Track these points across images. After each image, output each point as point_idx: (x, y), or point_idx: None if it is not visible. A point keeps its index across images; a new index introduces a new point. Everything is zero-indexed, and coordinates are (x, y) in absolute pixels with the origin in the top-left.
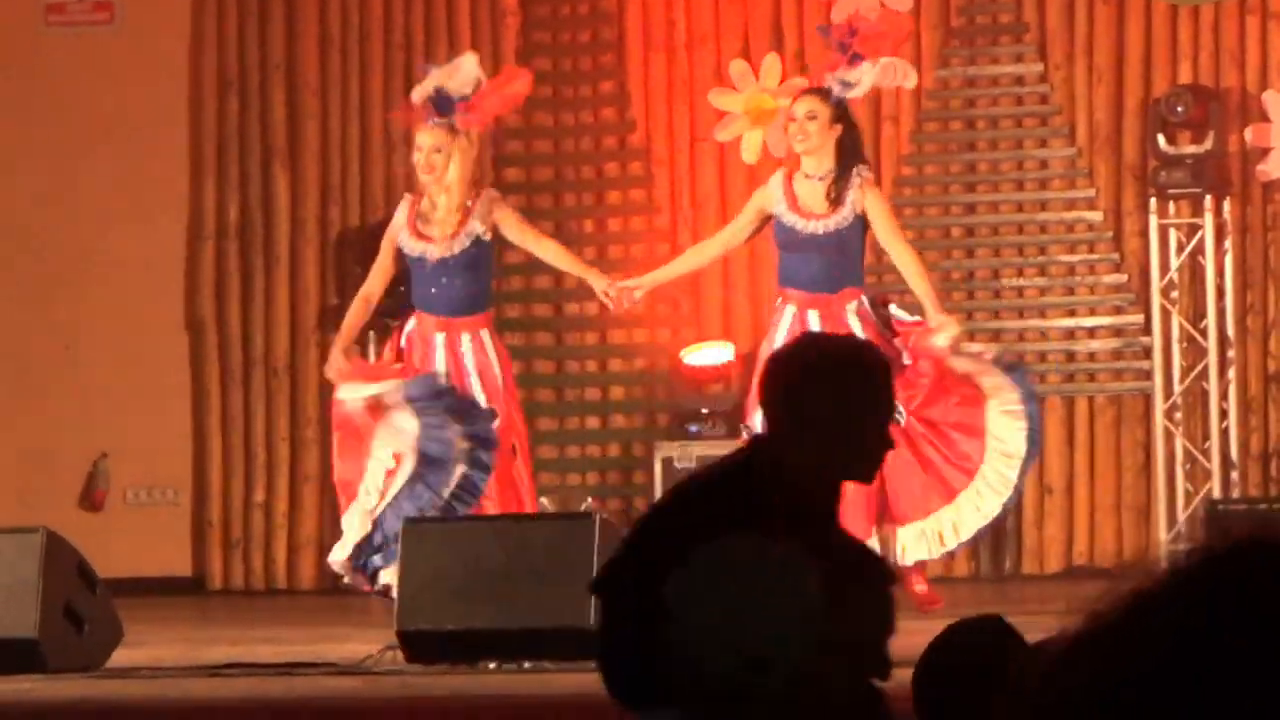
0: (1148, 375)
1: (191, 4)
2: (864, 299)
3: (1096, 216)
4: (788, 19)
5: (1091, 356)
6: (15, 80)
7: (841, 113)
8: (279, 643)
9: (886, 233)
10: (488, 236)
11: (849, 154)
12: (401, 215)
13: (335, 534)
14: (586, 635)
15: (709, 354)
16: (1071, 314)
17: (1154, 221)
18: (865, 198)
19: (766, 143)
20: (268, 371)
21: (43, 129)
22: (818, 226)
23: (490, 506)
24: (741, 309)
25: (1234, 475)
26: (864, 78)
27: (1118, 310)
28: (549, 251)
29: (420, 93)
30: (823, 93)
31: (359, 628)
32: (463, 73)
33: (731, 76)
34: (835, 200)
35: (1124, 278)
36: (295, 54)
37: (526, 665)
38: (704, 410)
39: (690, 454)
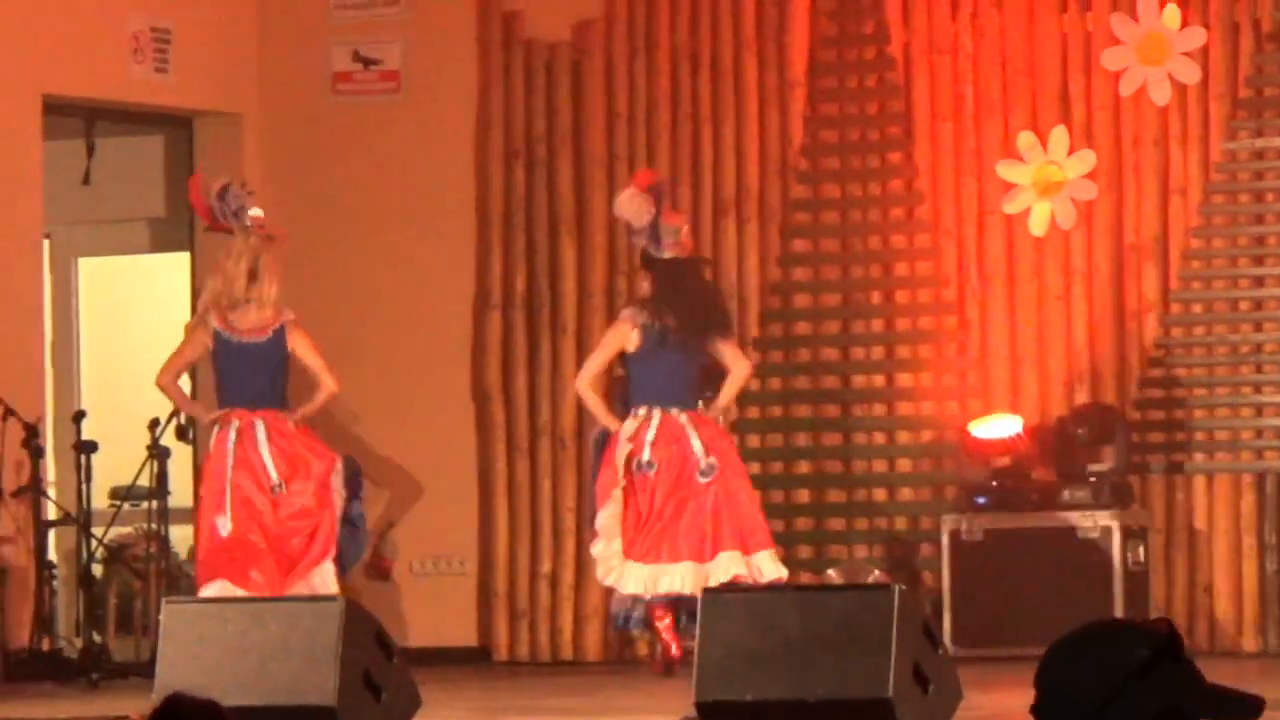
0: None
1: (478, 74)
2: None
3: None
4: (1075, 90)
5: None
6: (302, 148)
7: None
8: (573, 713)
9: None
10: None
11: None
12: None
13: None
14: (886, 707)
15: (996, 426)
16: None
17: None
18: None
19: (1054, 215)
20: (554, 441)
21: (329, 197)
22: None
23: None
24: (1030, 382)
25: None
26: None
27: None
28: None
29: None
30: None
31: (650, 698)
32: None
33: (1019, 148)
34: None
35: None
36: (582, 125)
37: None
38: (992, 483)
39: (978, 526)
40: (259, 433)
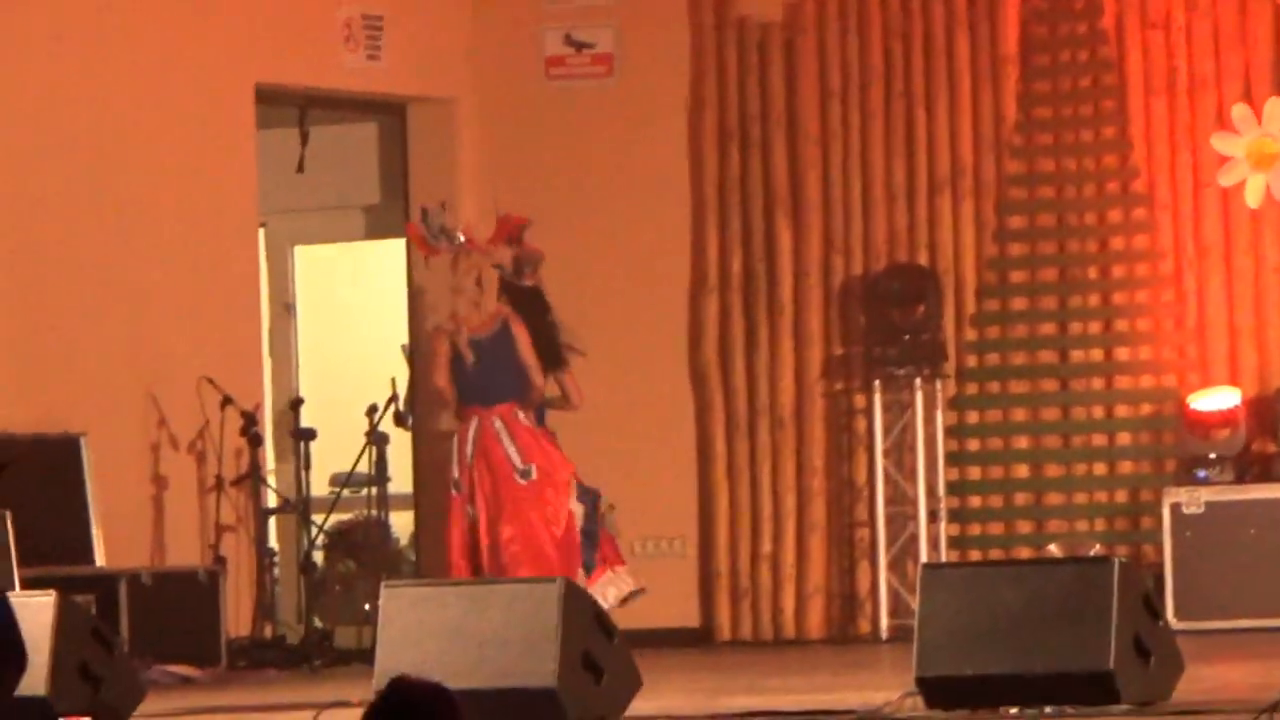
0: None
1: (691, 55)
2: None
3: None
4: None
5: None
6: (515, 133)
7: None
8: (795, 691)
9: None
10: None
11: None
12: None
13: (844, 583)
14: (1108, 679)
15: (1216, 399)
16: None
17: None
18: None
19: (1270, 186)
20: (773, 421)
21: (542, 181)
22: None
23: None
24: (1248, 354)
25: None
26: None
27: None
28: None
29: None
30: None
31: (873, 674)
32: None
33: (1234, 120)
34: None
35: None
36: (795, 105)
37: (1048, 710)
38: (1211, 455)
39: (1199, 499)
40: (496, 424)
